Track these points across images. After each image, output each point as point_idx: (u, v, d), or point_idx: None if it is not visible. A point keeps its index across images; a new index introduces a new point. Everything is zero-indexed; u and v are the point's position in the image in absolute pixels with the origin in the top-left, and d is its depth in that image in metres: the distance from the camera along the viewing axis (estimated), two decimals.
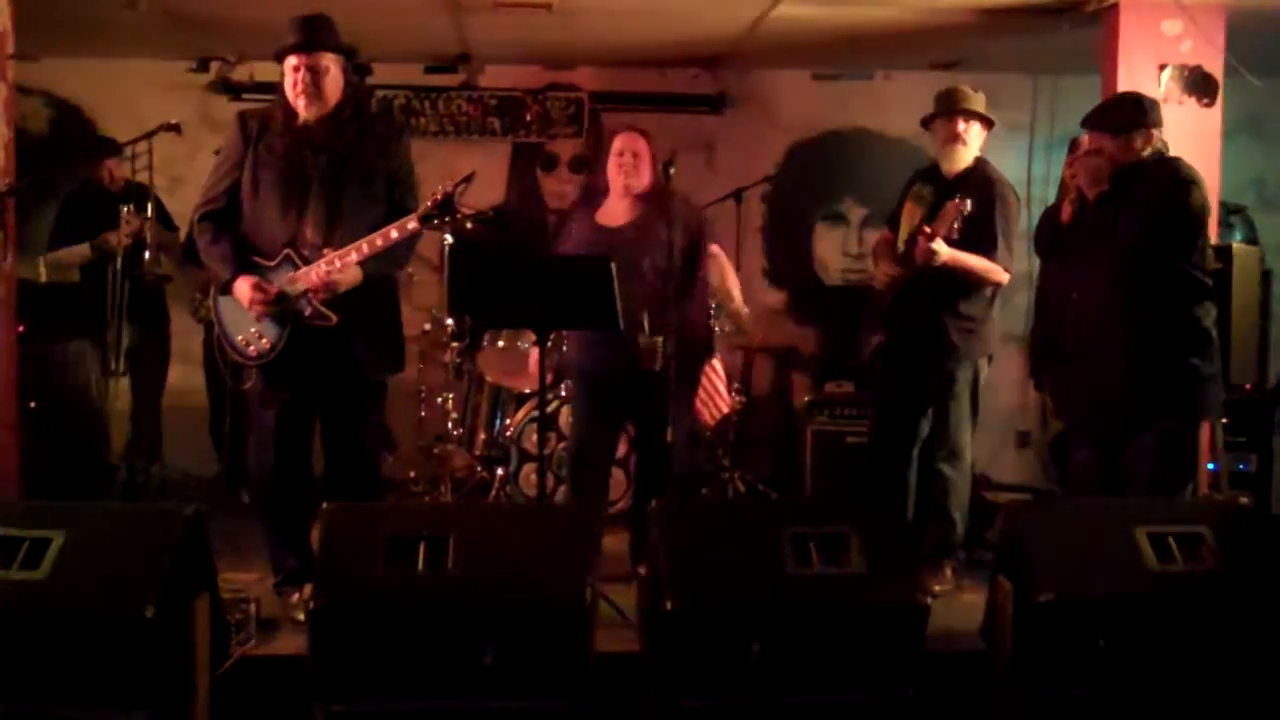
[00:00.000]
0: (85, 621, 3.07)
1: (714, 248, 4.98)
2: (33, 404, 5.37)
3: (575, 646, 3.22)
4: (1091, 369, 4.23)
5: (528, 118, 6.92)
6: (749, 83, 6.98)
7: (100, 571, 3.14)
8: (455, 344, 5.64)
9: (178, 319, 5.99)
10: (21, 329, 5.13)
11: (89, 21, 5.68)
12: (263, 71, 4.71)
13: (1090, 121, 4.28)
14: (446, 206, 3.77)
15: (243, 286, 3.95)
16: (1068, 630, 3.31)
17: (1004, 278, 4.59)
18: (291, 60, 3.93)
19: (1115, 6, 5.22)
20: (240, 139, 4.03)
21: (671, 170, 4.34)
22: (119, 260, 5.04)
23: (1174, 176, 4.13)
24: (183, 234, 5.54)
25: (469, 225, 3.85)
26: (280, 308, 3.95)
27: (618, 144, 4.59)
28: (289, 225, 3.95)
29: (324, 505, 3.38)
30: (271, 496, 4.17)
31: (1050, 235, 4.41)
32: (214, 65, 6.62)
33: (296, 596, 4.04)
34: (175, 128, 4.80)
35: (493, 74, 6.86)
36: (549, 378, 4.23)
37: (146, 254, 5.09)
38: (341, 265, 3.88)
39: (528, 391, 5.65)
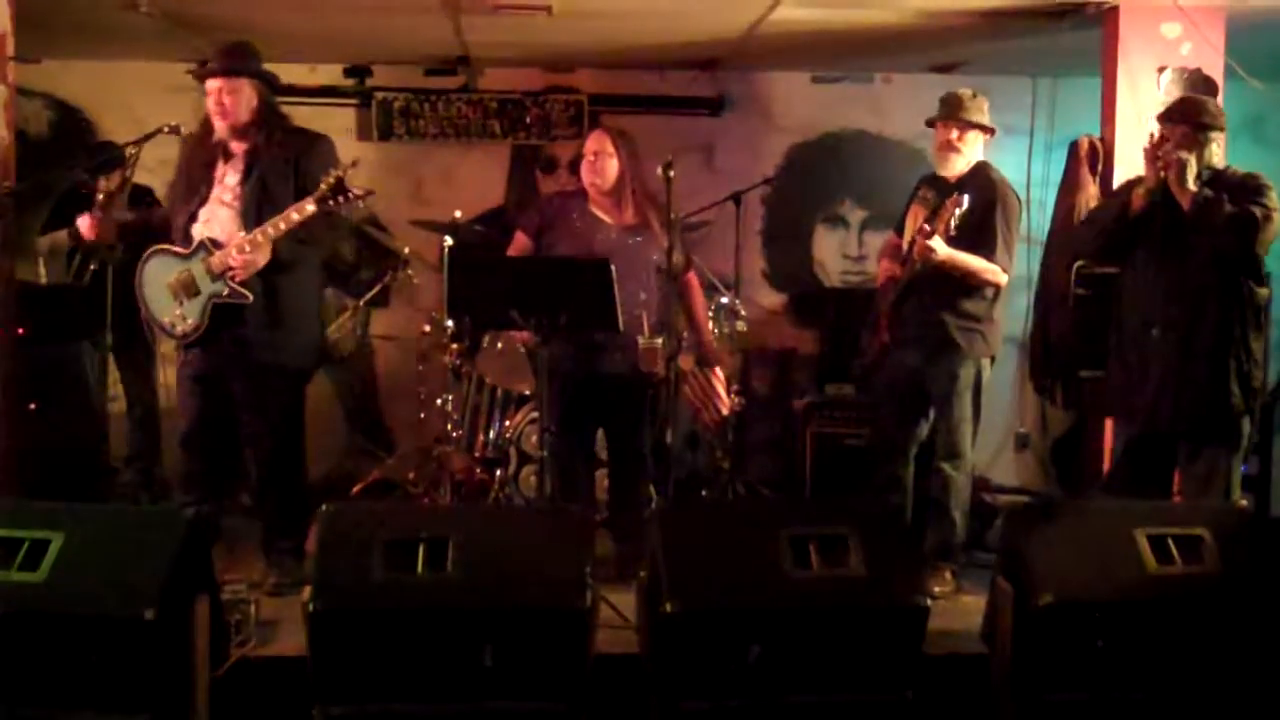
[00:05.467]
0: (84, 624, 3.07)
1: (690, 275, 4.82)
2: (32, 405, 5.35)
3: (574, 648, 3.22)
4: (1173, 369, 4.23)
5: (527, 120, 6.90)
6: (748, 85, 6.97)
7: (100, 573, 3.14)
8: (455, 345, 5.64)
9: None
10: (22, 331, 5.12)
11: (90, 24, 5.67)
12: None
13: (1176, 116, 4.32)
14: (339, 188, 4.14)
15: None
16: (1067, 633, 3.32)
17: (1002, 279, 4.61)
18: (211, 83, 4.40)
19: (1115, 9, 5.22)
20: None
21: (670, 173, 4.33)
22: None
23: (1260, 184, 4.27)
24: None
25: (361, 202, 4.34)
26: (198, 290, 4.34)
27: (586, 145, 4.63)
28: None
29: (323, 506, 3.38)
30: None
31: (1113, 228, 4.38)
32: None
33: None
34: (175, 129, 4.80)
35: (492, 76, 6.85)
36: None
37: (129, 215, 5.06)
38: (251, 246, 4.24)
39: (527, 393, 5.65)
